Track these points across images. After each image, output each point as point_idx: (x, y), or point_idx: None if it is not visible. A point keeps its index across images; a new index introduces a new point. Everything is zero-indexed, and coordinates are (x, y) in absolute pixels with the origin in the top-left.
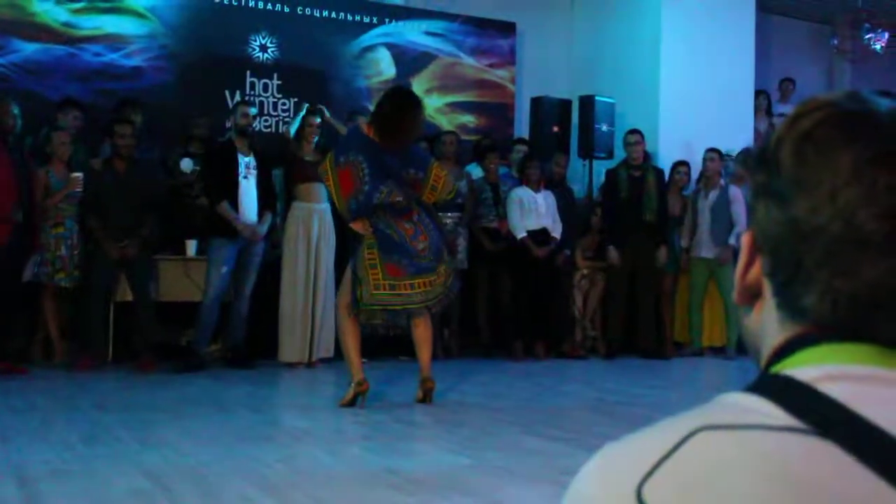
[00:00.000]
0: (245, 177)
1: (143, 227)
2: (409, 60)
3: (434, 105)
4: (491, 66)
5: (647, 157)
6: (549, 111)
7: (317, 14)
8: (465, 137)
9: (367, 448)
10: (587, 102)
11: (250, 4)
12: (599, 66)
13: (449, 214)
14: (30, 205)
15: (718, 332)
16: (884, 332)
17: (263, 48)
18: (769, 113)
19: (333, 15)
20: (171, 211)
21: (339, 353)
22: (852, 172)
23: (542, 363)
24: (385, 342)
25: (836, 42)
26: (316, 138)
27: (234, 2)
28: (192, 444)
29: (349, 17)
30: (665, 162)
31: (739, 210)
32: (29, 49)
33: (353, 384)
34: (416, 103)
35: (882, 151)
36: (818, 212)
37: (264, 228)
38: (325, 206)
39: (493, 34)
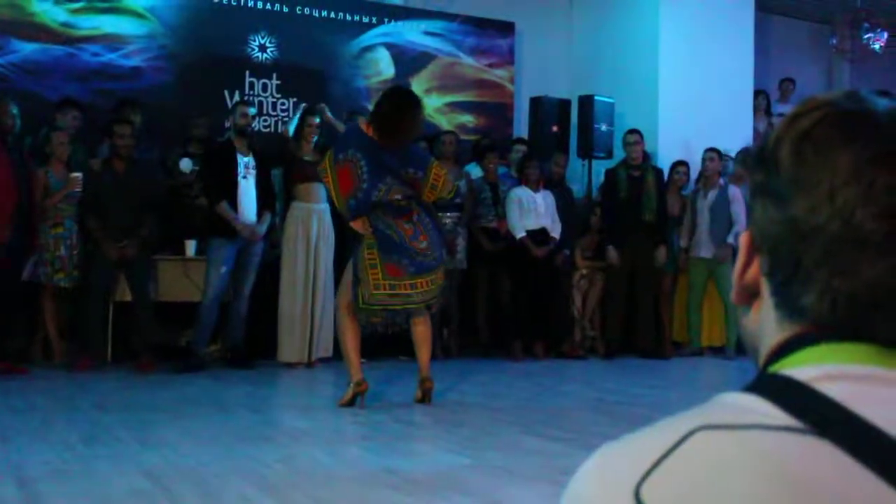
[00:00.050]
0: (244, 177)
1: (142, 227)
2: (409, 60)
3: (433, 105)
4: (490, 65)
5: (646, 156)
6: (548, 111)
7: (316, 14)
8: (464, 137)
9: (366, 448)
10: (586, 102)
11: (249, 4)
12: (599, 65)
13: (448, 214)
14: (29, 205)
15: (717, 331)
16: (882, 331)
17: (262, 48)
18: (768, 113)
19: (333, 15)
20: (171, 211)
21: (338, 353)
22: (851, 172)
23: (541, 363)
24: (384, 342)
25: (835, 42)
26: (315, 138)
27: (233, 2)
28: (192, 445)
29: (348, 17)
30: (664, 162)
31: (739, 210)
32: (28, 49)
33: (352, 384)
34: (415, 103)
35: (881, 151)
36: (817, 211)
37: (263, 228)
38: (325, 206)
39: (493, 34)
